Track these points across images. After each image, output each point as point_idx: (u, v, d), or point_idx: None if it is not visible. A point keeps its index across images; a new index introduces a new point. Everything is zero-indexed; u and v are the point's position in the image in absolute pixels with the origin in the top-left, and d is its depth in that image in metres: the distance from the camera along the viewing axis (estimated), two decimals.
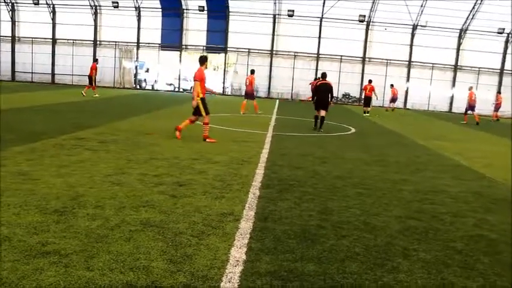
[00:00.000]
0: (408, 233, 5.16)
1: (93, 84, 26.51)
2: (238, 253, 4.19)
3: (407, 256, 4.43)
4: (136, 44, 38.29)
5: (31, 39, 38.65)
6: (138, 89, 38.71)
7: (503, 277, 4.11)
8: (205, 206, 5.66)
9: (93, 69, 26.79)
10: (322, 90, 15.72)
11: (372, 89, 26.77)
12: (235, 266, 3.90)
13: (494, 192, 7.79)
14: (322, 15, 35.67)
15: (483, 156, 12.25)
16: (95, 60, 28.26)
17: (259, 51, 37.01)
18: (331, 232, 4.98)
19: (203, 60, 11.39)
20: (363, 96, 28.92)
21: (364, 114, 25.37)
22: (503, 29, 35.16)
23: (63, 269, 3.60)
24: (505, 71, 36.68)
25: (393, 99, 31.69)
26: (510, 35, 35.94)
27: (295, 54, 36.62)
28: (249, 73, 22.88)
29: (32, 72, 39.00)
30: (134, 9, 37.29)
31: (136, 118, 15.56)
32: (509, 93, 35.52)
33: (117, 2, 36.54)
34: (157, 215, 5.15)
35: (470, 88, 26.02)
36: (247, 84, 21.99)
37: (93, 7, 37.73)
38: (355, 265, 4.11)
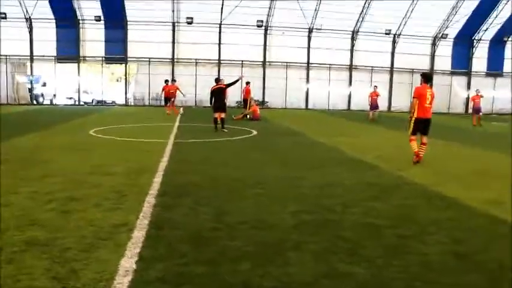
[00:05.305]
0: (302, 227, 5.32)
1: None
2: (128, 263, 4.08)
3: (298, 249, 4.57)
4: (29, 57, 36.08)
5: None
6: (35, 104, 36.42)
7: (383, 258, 4.37)
8: (98, 219, 5.45)
9: None
10: (217, 94, 16.78)
11: (248, 91, 26.18)
12: (124, 276, 3.80)
13: (382, 181, 8.28)
14: (221, 21, 35.98)
15: (375, 148, 12.98)
16: None
17: (160, 60, 36.54)
18: (225, 233, 5.00)
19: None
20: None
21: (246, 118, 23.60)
22: (390, 30, 37.71)
23: None
24: (394, 69, 39.31)
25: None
26: (396, 36, 38.57)
27: (196, 61, 36.60)
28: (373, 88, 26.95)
29: None
30: (25, 20, 35.12)
31: (32, 135, 14.58)
32: (399, 89, 38.32)
33: (5, 13, 34.11)
34: (44, 233, 4.87)
35: (477, 91, 25.15)
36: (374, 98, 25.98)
37: None
38: (246, 263, 4.16)
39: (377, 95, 26.58)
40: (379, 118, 26.33)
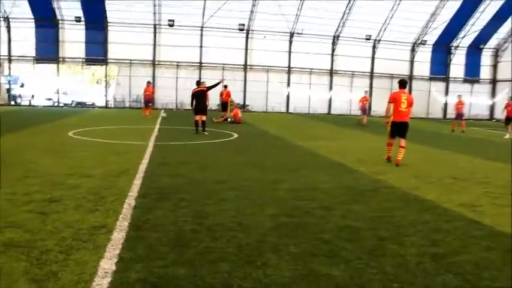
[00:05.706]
0: (280, 230, 5.35)
1: None
2: (107, 264, 4.05)
3: (277, 251, 4.59)
4: (7, 57, 35.48)
5: None
6: (13, 105, 35.83)
7: (361, 259, 4.43)
8: (77, 220, 5.40)
9: None
10: (198, 97, 16.81)
11: (228, 94, 25.35)
12: (104, 278, 3.78)
13: (361, 184, 8.38)
14: (203, 24, 35.98)
15: (354, 152, 13.10)
16: None
17: (141, 62, 36.33)
18: (204, 235, 5.00)
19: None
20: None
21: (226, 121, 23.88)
22: (370, 35, 38.19)
23: None
24: (374, 74, 39.76)
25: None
26: (376, 41, 39.03)
27: (178, 63, 36.49)
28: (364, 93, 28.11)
29: None
30: (2, 19, 34.56)
31: (11, 136, 14.30)
32: (379, 94, 38.70)
33: None
34: (22, 235, 4.80)
35: (460, 97, 25.07)
36: (364, 103, 26.91)
37: None
38: (226, 265, 4.17)
39: (367, 100, 27.37)
40: (358, 122, 26.82)
